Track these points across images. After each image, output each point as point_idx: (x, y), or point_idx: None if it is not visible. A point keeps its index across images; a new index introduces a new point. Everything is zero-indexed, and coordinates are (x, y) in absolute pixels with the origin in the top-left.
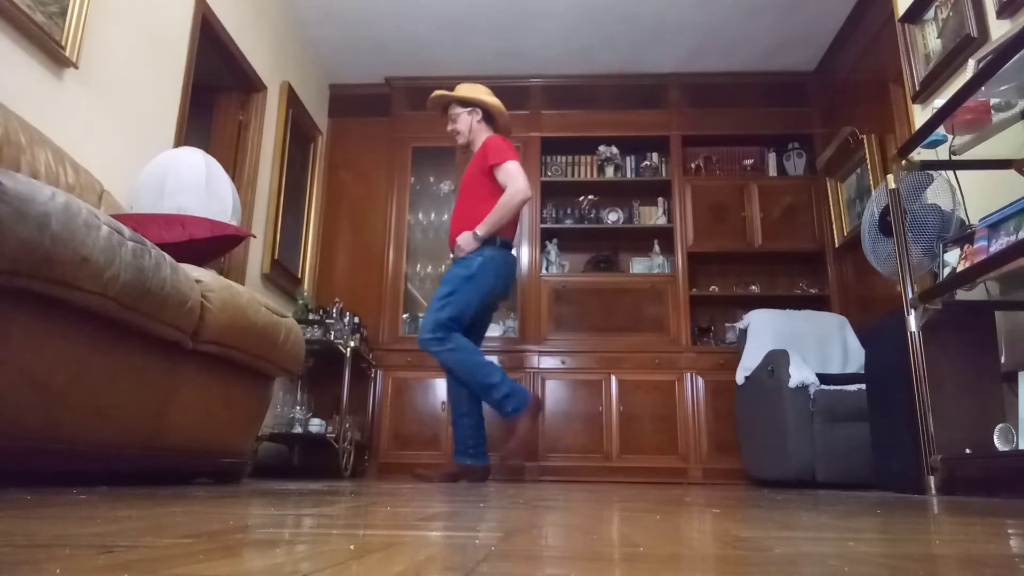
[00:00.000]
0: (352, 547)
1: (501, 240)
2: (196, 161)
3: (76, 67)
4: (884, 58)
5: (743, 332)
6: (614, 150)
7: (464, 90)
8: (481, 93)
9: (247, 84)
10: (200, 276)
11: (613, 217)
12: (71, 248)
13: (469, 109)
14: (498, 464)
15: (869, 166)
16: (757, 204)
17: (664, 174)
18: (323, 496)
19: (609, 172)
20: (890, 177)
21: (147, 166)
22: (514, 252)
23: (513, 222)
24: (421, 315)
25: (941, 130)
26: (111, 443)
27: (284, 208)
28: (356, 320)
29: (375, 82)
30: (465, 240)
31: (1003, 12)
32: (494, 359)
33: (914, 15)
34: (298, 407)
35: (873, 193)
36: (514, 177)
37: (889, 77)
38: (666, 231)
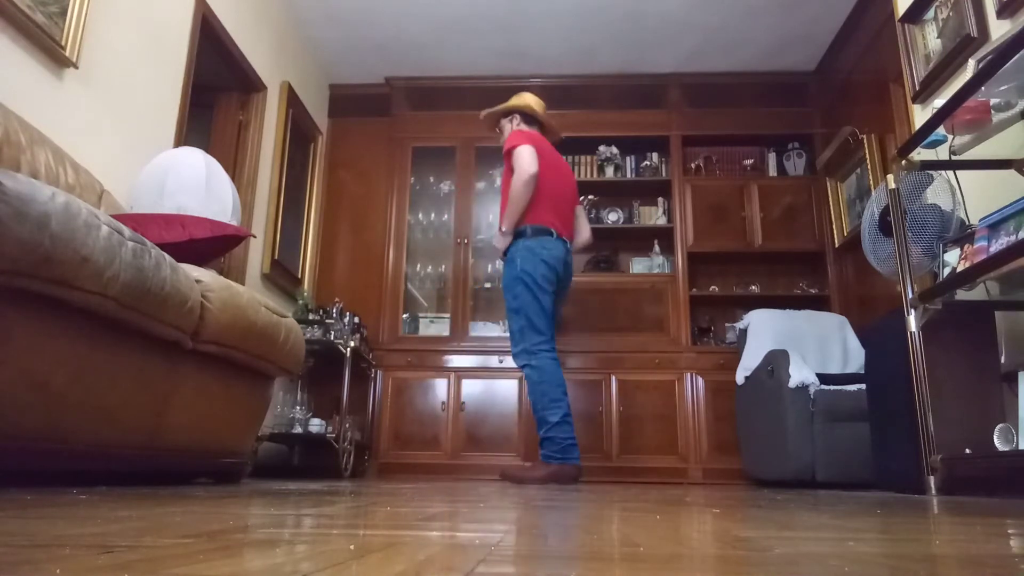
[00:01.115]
0: (352, 547)
1: (532, 228)
2: (196, 161)
3: (76, 67)
4: (884, 58)
5: (743, 332)
6: (614, 150)
7: (509, 101)
8: (514, 99)
9: (247, 84)
10: (200, 276)
11: (613, 217)
12: (71, 248)
13: (509, 118)
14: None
15: (869, 166)
16: (757, 204)
17: (664, 174)
18: (323, 496)
19: (609, 172)
20: (890, 177)
21: (147, 166)
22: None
23: (545, 207)
24: (421, 315)
25: (941, 130)
26: (111, 443)
27: (284, 208)
28: (356, 320)
29: (375, 82)
30: (495, 239)
31: (1003, 12)
32: (496, 359)
33: (914, 15)
34: (298, 407)
35: (873, 193)
36: (518, 161)
37: (889, 77)
38: (666, 231)
